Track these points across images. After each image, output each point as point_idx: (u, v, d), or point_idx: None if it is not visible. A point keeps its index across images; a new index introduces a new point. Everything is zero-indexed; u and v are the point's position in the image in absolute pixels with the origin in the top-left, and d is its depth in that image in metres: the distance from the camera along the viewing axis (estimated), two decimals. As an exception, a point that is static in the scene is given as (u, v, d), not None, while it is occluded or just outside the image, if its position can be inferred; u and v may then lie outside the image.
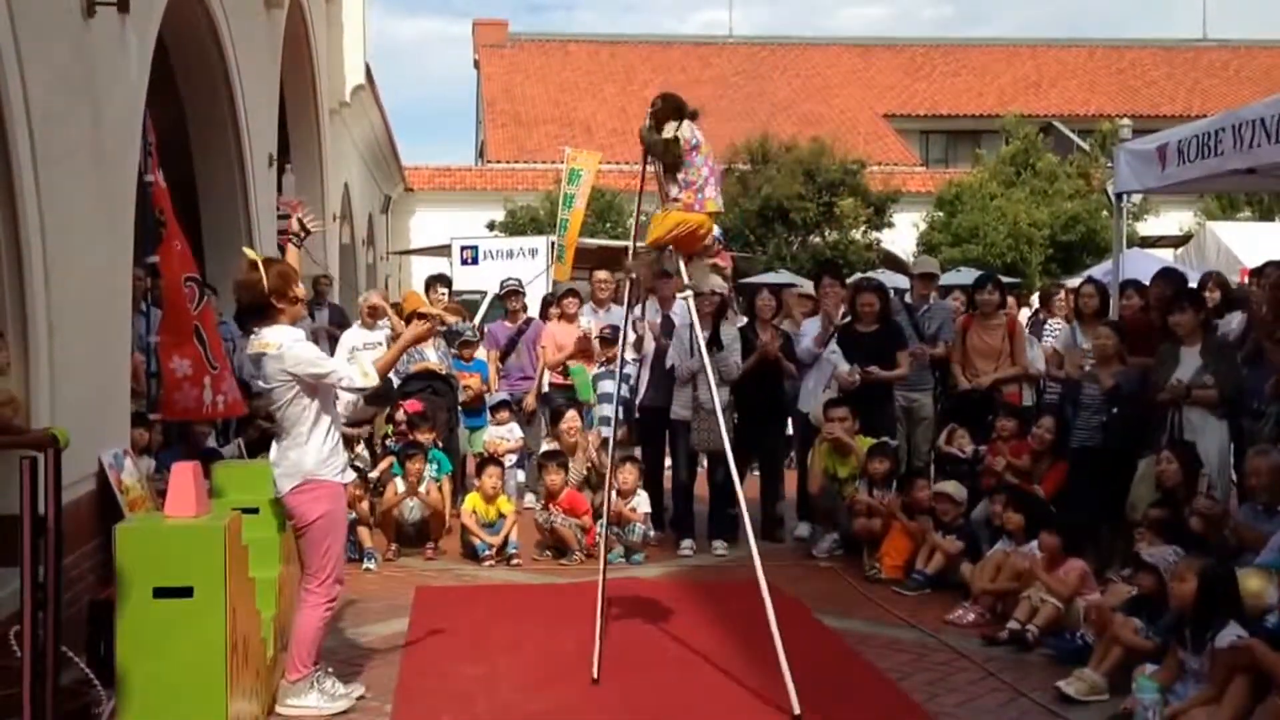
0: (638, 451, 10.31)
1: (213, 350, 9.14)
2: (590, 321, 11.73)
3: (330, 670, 6.18)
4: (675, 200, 6.64)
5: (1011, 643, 7.09)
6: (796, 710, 5.86)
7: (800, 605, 8.12)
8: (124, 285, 8.07)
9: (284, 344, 5.83)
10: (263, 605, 6.03)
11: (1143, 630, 6.19)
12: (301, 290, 6.09)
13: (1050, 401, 10.37)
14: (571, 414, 10.58)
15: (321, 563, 6.00)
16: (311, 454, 5.90)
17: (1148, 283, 9.65)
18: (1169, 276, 9.64)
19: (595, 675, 6.48)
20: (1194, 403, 8.01)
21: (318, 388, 5.94)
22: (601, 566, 7.28)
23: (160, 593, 5.09)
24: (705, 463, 10.37)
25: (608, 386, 10.84)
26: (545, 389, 11.89)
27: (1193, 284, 10.11)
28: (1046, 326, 12.62)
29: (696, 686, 6.46)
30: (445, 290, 12.89)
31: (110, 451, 7.52)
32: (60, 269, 6.69)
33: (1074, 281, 14.43)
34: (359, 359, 6.45)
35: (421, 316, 11.42)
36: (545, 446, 10.78)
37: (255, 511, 6.39)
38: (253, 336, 5.99)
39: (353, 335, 11.29)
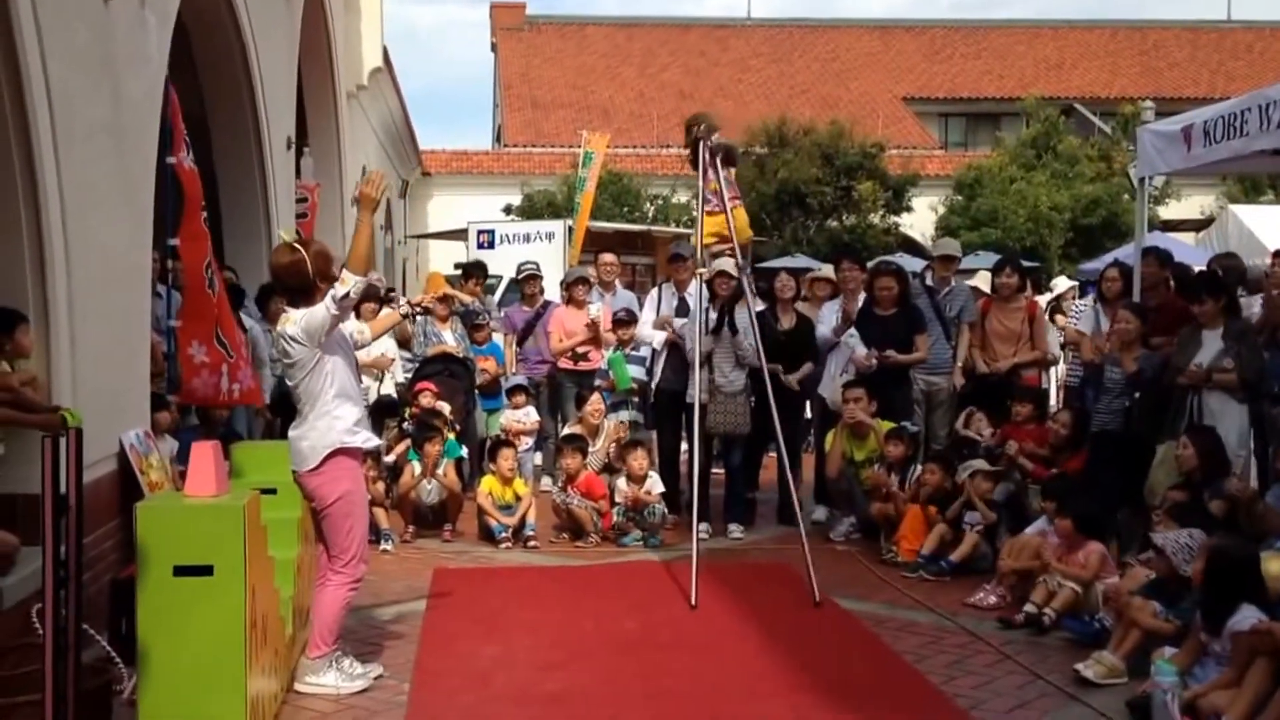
0: (647, 435, 10.33)
1: (228, 337, 9.10)
2: (598, 305, 11.72)
3: (349, 650, 6.21)
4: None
5: (1028, 626, 7.09)
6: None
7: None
8: (143, 266, 8.08)
9: (305, 310, 5.89)
10: (281, 584, 6.06)
11: (1162, 613, 6.17)
12: (337, 270, 6.11)
13: (1072, 385, 10.31)
14: (596, 397, 10.62)
15: (345, 543, 6.03)
16: (341, 422, 5.95)
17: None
18: (1156, 253, 9.69)
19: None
20: (1214, 386, 7.98)
21: (337, 350, 5.99)
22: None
23: (180, 571, 5.10)
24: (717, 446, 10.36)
25: (631, 370, 10.87)
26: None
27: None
28: (1073, 307, 12.59)
29: (713, 669, 6.47)
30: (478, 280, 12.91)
31: (131, 432, 7.55)
32: (80, 250, 6.71)
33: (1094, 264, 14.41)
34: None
35: (442, 299, 11.46)
36: (566, 430, 10.80)
37: (274, 492, 6.42)
38: (283, 316, 6.04)
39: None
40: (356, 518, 6.09)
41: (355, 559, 6.07)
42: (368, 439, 6.17)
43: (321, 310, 5.85)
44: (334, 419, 5.94)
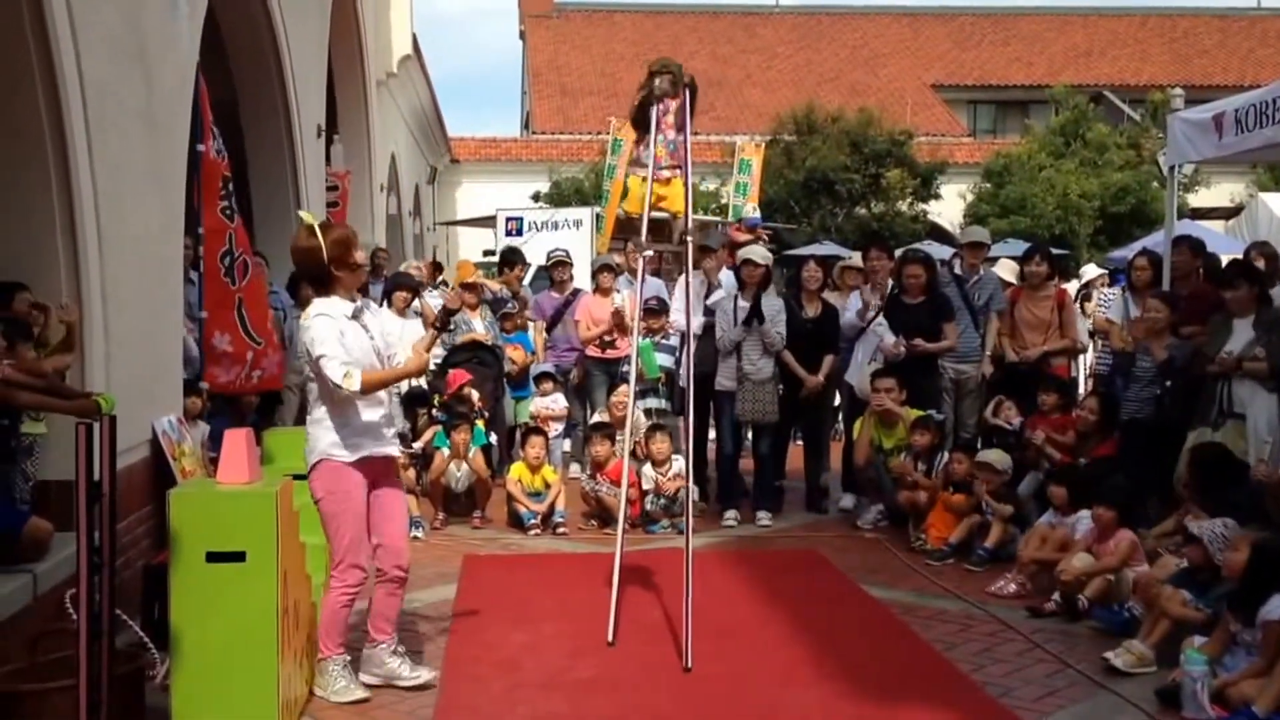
0: (674, 422, 10.34)
1: (256, 325, 9.09)
2: (627, 293, 11.69)
3: (350, 660, 5.91)
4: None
5: (1057, 614, 7.09)
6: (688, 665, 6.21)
7: (846, 576, 8.15)
8: (175, 253, 8.12)
9: (311, 317, 5.68)
10: (314, 570, 6.07)
11: (1192, 602, 6.15)
12: (361, 257, 5.85)
13: (1102, 373, 10.24)
14: (624, 388, 10.60)
15: (333, 545, 5.77)
16: (328, 434, 5.70)
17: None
18: (1189, 242, 9.66)
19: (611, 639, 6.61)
20: (1244, 375, 7.93)
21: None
22: (619, 532, 7.24)
23: (213, 557, 5.14)
24: (748, 433, 10.37)
25: (660, 359, 10.87)
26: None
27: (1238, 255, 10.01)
28: (1101, 295, 12.54)
29: (742, 656, 6.49)
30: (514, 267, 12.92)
31: (164, 419, 7.60)
32: (113, 237, 6.75)
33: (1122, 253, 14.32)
34: (350, 369, 5.57)
35: (469, 287, 11.48)
36: (595, 418, 10.81)
37: (305, 478, 6.44)
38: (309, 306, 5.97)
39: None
40: (341, 520, 5.73)
41: (343, 563, 5.75)
42: (363, 450, 5.75)
43: (316, 346, 5.57)
44: (324, 429, 5.70)
